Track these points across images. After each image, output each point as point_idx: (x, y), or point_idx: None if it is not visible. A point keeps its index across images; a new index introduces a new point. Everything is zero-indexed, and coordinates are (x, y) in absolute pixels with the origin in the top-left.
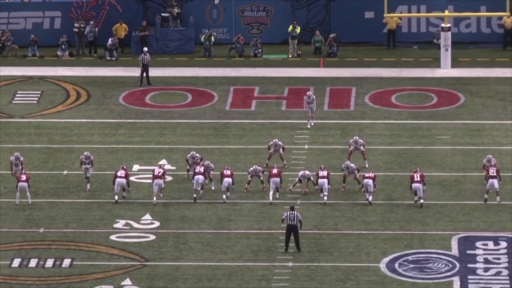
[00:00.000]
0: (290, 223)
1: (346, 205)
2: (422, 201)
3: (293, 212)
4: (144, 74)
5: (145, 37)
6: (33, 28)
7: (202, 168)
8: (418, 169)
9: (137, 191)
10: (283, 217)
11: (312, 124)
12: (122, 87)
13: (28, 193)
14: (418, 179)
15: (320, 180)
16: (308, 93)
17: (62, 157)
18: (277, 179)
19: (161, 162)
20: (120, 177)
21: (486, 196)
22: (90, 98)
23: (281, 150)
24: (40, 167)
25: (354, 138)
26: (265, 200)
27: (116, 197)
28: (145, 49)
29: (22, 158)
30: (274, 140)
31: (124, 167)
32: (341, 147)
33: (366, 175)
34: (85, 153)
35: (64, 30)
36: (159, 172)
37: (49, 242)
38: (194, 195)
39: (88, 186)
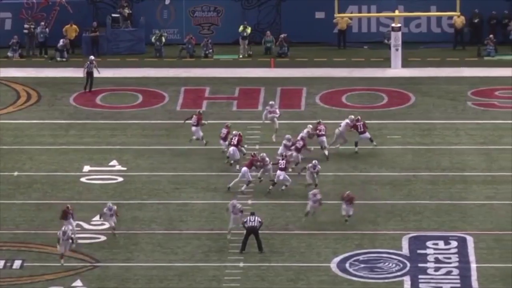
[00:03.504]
0: (250, 224)
1: (297, 205)
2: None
3: (254, 217)
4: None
5: (96, 38)
6: None
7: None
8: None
9: (88, 192)
10: (244, 221)
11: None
12: (72, 88)
13: None
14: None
15: (278, 172)
16: (270, 102)
17: (12, 158)
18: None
19: (112, 163)
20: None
21: None
22: (40, 99)
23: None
24: None
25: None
26: (216, 200)
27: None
28: (92, 57)
29: None
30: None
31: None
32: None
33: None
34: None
35: (14, 31)
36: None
37: (0, 244)
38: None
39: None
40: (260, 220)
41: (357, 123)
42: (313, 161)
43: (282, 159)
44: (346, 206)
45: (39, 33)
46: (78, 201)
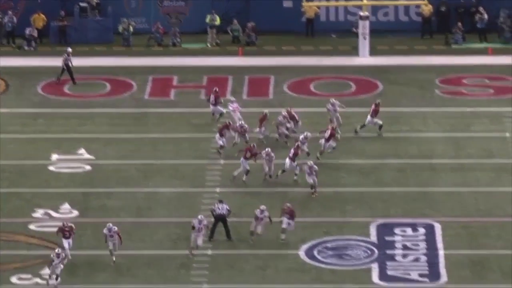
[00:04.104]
0: (219, 212)
1: (265, 193)
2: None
3: (222, 204)
4: (66, 75)
5: (64, 27)
6: None
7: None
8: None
9: (56, 181)
10: (212, 210)
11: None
12: (40, 77)
13: None
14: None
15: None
16: (231, 98)
17: None
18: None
19: (80, 152)
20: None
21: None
22: (8, 88)
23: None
24: None
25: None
26: (184, 189)
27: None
28: (69, 49)
29: None
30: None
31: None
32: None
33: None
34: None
35: None
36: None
37: None
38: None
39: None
40: (228, 208)
41: (378, 108)
42: (309, 162)
43: (294, 148)
44: (287, 219)
45: (7, 22)
46: (46, 189)
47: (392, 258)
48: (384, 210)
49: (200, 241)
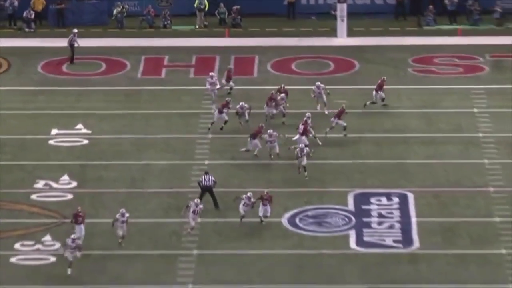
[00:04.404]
0: (205, 184)
1: (251, 165)
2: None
3: (208, 176)
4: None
5: (62, 10)
6: None
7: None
8: None
9: (55, 154)
10: (199, 181)
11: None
12: (40, 57)
13: None
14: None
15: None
16: (210, 73)
17: None
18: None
19: (78, 127)
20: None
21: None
22: (10, 67)
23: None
24: None
25: (316, 83)
26: (175, 161)
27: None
28: (75, 30)
29: None
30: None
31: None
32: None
33: None
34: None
35: None
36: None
37: None
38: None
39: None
40: (214, 179)
41: (382, 83)
42: (300, 145)
43: (301, 124)
44: (263, 206)
45: (8, 6)
46: (47, 161)
47: (368, 225)
48: (361, 181)
49: (193, 223)
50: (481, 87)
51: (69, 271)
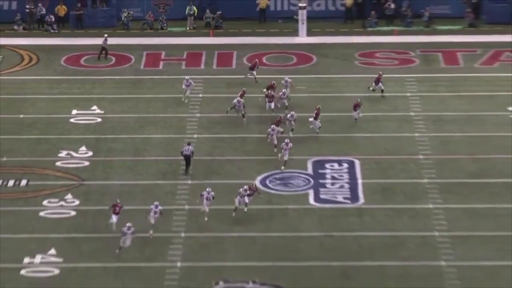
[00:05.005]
0: (185, 153)
1: (230, 138)
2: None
3: (189, 146)
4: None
5: (80, 15)
6: None
7: None
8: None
9: (75, 130)
10: (181, 150)
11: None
12: (63, 53)
13: None
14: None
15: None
16: (186, 77)
17: (18, 105)
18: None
19: (93, 108)
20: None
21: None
22: (39, 61)
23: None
24: (2, 112)
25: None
26: (170, 135)
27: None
28: (106, 35)
29: None
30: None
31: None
32: (227, 96)
33: None
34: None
35: (18, 10)
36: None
37: (10, 168)
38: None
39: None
40: (192, 149)
41: (380, 77)
42: (286, 140)
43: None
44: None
45: (38, 11)
46: (68, 136)
47: (323, 185)
48: (318, 150)
49: (207, 209)
50: (412, 76)
51: (117, 251)
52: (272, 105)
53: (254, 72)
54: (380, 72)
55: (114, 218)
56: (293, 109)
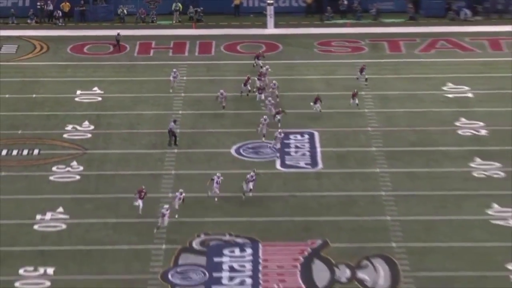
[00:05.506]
0: (170, 128)
1: (209, 114)
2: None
3: (174, 124)
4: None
5: (83, 11)
6: (12, 6)
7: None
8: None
9: (80, 107)
10: (169, 127)
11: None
12: (69, 42)
13: None
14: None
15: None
16: (173, 70)
17: (32, 86)
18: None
19: (94, 89)
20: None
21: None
22: (49, 49)
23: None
24: (18, 93)
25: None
26: (160, 111)
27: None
28: (119, 31)
29: None
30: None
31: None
32: (207, 78)
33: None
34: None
35: (31, 7)
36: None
37: (24, 139)
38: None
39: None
40: (174, 126)
41: (364, 67)
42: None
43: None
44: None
45: (47, 8)
46: (73, 112)
47: (288, 153)
48: (283, 124)
49: (217, 191)
50: (363, 61)
51: (155, 231)
52: (263, 96)
53: (260, 62)
54: (364, 64)
55: (140, 202)
56: (268, 88)
